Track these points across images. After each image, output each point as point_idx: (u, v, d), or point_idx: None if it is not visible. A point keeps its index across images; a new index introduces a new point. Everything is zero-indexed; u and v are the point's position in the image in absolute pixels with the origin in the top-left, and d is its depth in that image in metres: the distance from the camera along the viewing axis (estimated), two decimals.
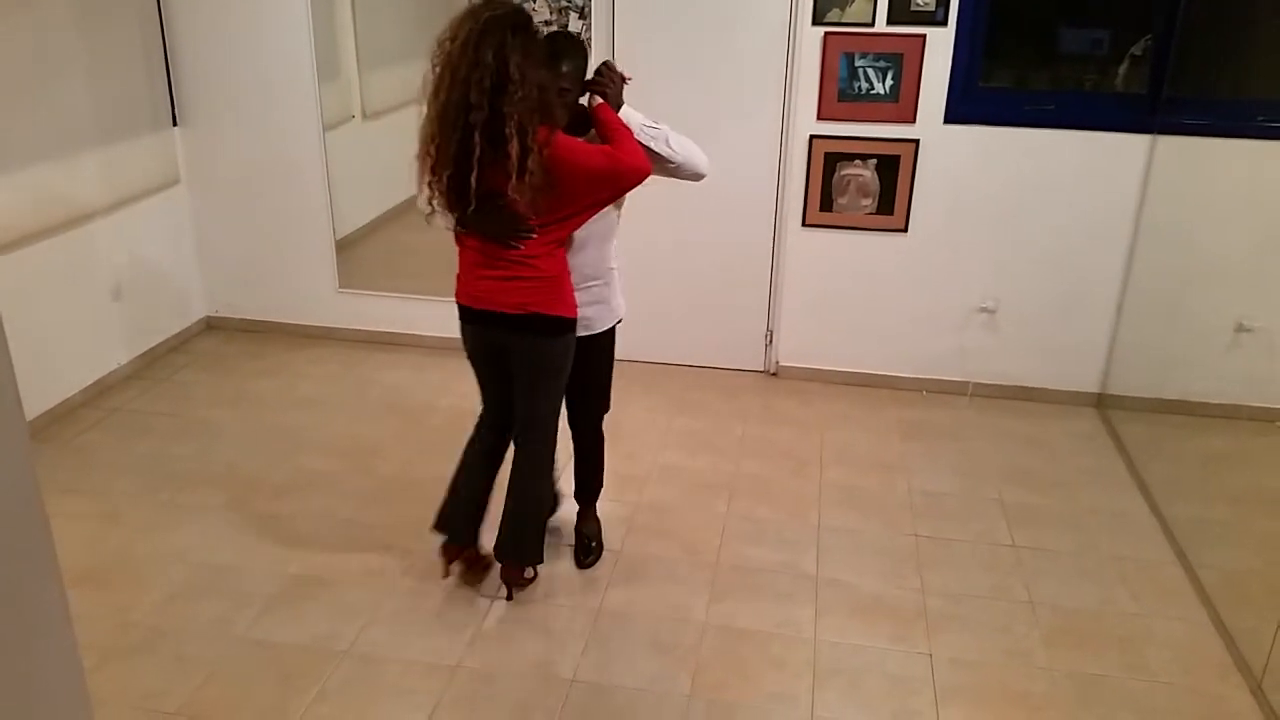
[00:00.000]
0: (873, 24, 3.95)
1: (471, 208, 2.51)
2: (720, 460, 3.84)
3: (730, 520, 3.44)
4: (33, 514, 1.43)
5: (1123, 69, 4.24)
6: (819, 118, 4.11)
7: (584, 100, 2.72)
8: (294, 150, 4.58)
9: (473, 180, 2.46)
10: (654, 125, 2.73)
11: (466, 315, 2.80)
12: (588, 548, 3.21)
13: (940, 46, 3.95)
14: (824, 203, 4.24)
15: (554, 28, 6.84)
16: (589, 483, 3.26)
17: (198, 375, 4.49)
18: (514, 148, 2.41)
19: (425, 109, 2.48)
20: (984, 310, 4.29)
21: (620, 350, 4.63)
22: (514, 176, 2.43)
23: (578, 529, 3.28)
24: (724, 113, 4.17)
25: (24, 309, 3.83)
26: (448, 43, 2.43)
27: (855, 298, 4.37)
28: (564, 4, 6.79)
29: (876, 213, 4.21)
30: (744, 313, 4.50)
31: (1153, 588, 3.17)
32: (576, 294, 2.78)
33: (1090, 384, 4.34)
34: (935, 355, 4.41)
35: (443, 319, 4.72)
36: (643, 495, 3.59)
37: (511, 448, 2.98)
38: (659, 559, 3.23)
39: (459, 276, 2.77)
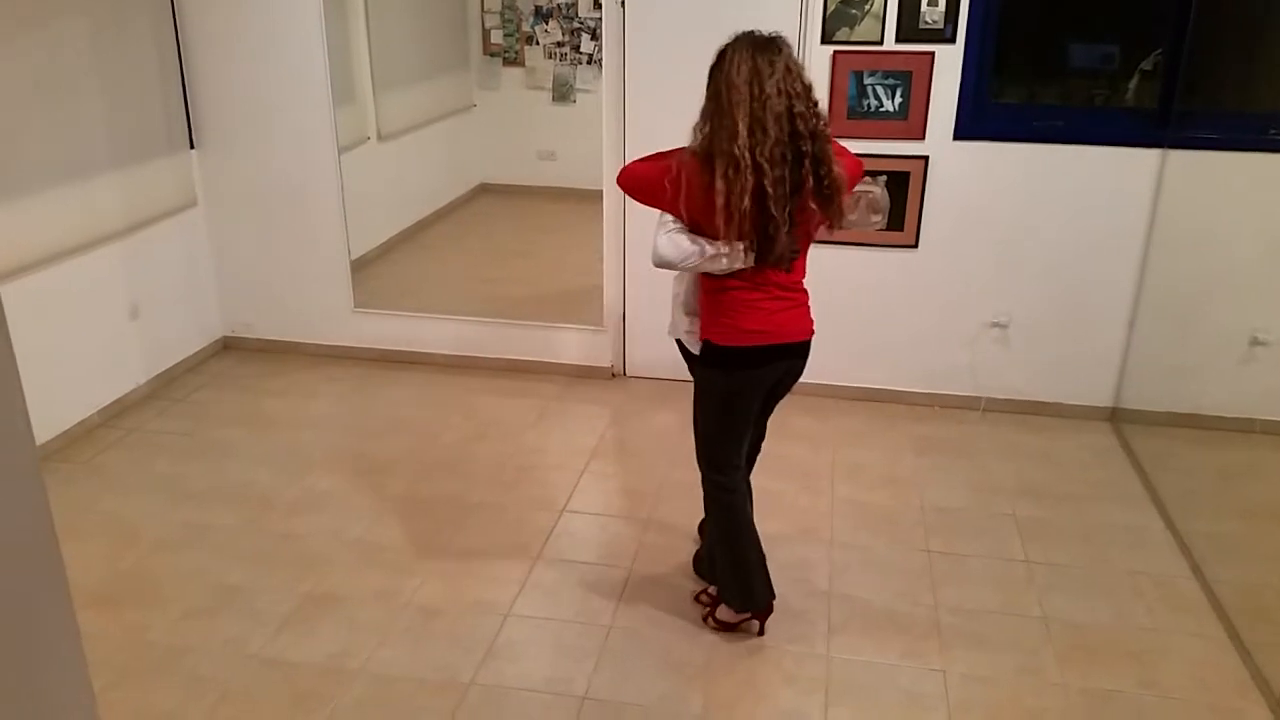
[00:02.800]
0: (881, 42, 3.97)
1: (784, 243, 2.46)
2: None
3: None
4: (43, 536, 1.44)
5: (1133, 84, 4.25)
6: None
7: None
8: (310, 172, 4.63)
9: (793, 213, 2.43)
10: None
11: (757, 356, 2.64)
12: None
13: (949, 64, 3.96)
14: None
15: (566, 48, 6.95)
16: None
17: (214, 395, 4.53)
18: (840, 168, 2.44)
19: (725, 165, 2.37)
20: (995, 325, 4.29)
21: (633, 369, 4.69)
22: (836, 200, 2.45)
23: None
24: None
25: (42, 330, 3.88)
26: (746, 83, 2.35)
27: (866, 314, 4.38)
28: (576, 25, 6.88)
29: (887, 229, 4.22)
30: None
31: (1167, 603, 3.14)
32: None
33: (1103, 398, 4.32)
34: (947, 370, 4.40)
35: (455, 337, 4.80)
36: (655, 512, 3.60)
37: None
38: (671, 576, 3.23)
39: (734, 314, 2.60)
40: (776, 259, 2.50)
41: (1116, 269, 4.14)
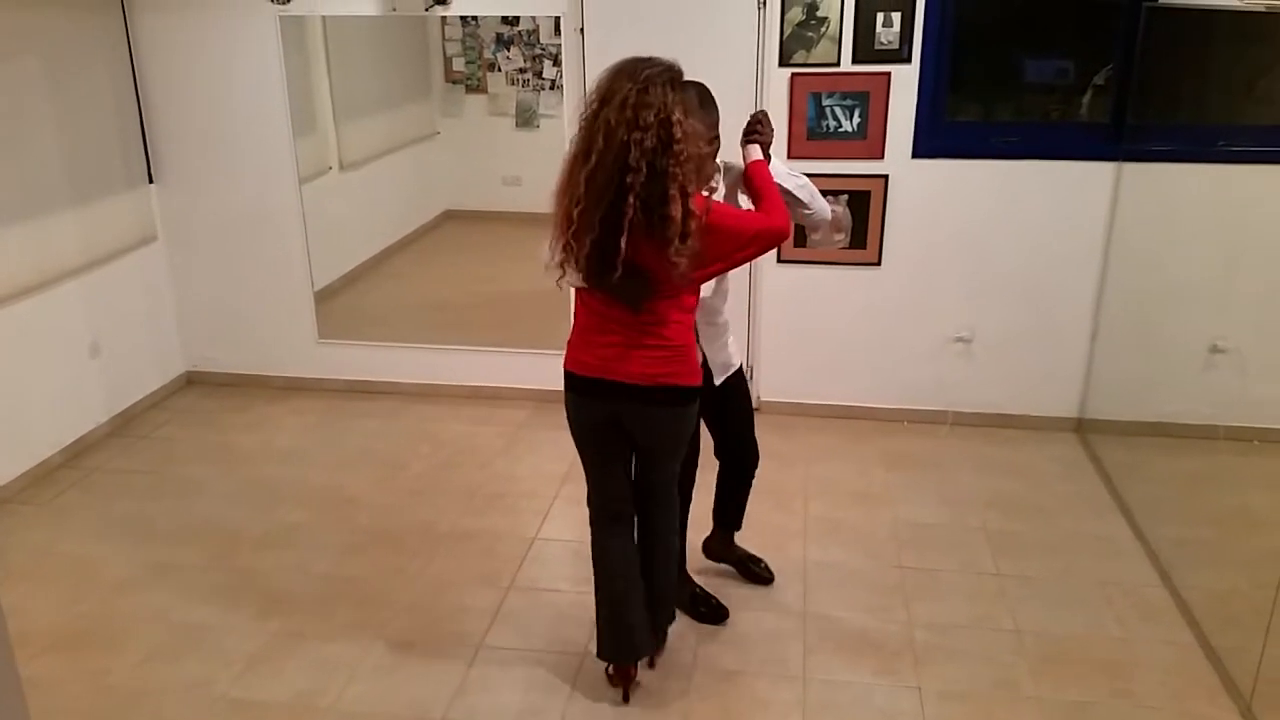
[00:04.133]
0: (838, 64, 4.01)
1: (618, 274, 2.34)
2: (703, 498, 3.82)
3: (710, 560, 3.42)
4: None
5: (1086, 99, 4.32)
6: (789, 156, 4.16)
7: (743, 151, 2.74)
8: (271, 203, 4.60)
9: (622, 244, 2.30)
10: (797, 175, 2.77)
11: (579, 385, 2.58)
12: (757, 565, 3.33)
13: (905, 83, 4.01)
14: (798, 239, 4.26)
15: (528, 75, 6.96)
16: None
17: (178, 431, 4.46)
18: (676, 210, 2.28)
19: (567, 170, 2.35)
20: (960, 340, 4.32)
21: None
22: (674, 241, 2.29)
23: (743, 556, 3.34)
24: None
25: (0, 370, 3.81)
26: (598, 103, 2.31)
27: (833, 331, 4.40)
28: (538, 51, 6.89)
29: (850, 247, 4.25)
30: None
31: (1138, 611, 3.16)
32: (717, 334, 2.79)
33: (1069, 409, 4.36)
34: (914, 386, 4.43)
35: (423, 365, 4.77)
36: None
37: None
38: None
39: (572, 342, 2.59)
40: (615, 291, 2.41)
41: (1077, 281, 4.20)
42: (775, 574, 3.31)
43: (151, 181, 4.62)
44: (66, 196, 4.10)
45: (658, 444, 2.65)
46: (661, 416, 2.58)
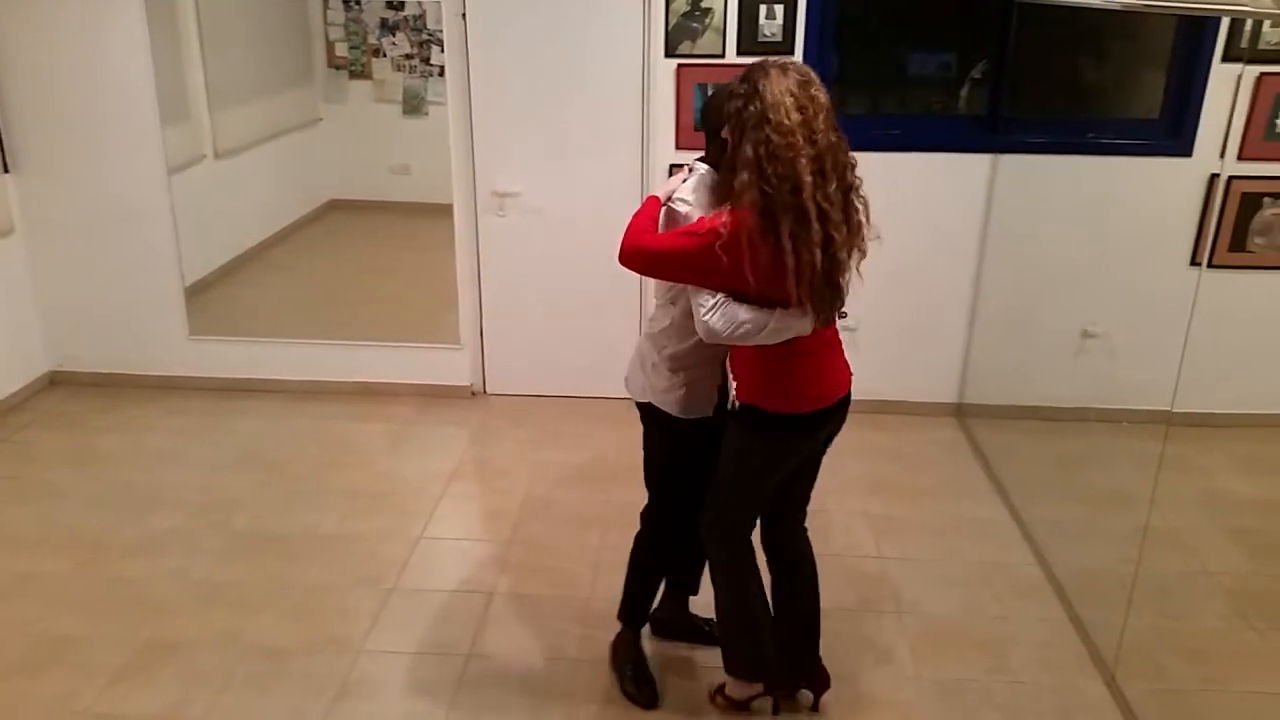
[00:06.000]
0: (723, 55, 4.02)
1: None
2: (596, 492, 3.81)
3: (603, 553, 3.40)
4: None
5: (964, 92, 4.43)
6: (677, 147, 4.16)
7: None
8: (138, 193, 4.39)
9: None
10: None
11: (819, 419, 2.38)
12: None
13: None
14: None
15: (415, 60, 6.81)
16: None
17: (41, 434, 4.23)
18: (862, 209, 2.25)
19: (790, 220, 2.09)
20: (844, 329, 4.38)
21: (494, 386, 4.61)
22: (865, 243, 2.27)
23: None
24: (584, 144, 4.18)
25: None
26: (799, 124, 2.08)
27: None
28: (425, 37, 6.74)
29: None
30: (615, 341, 4.48)
31: (1014, 589, 3.27)
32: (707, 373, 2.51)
33: (949, 395, 4.49)
34: None
35: (305, 361, 4.62)
36: (518, 531, 3.53)
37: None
38: (533, 597, 3.18)
39: (801, 380, 2.34)
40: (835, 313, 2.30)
41: (956, 270, 4.31)
42: None
43: (7, 171, 4.35)
44: None
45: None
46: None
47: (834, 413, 2.42)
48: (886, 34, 4.49)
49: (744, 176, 2.10)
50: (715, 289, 2.19)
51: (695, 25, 3.99)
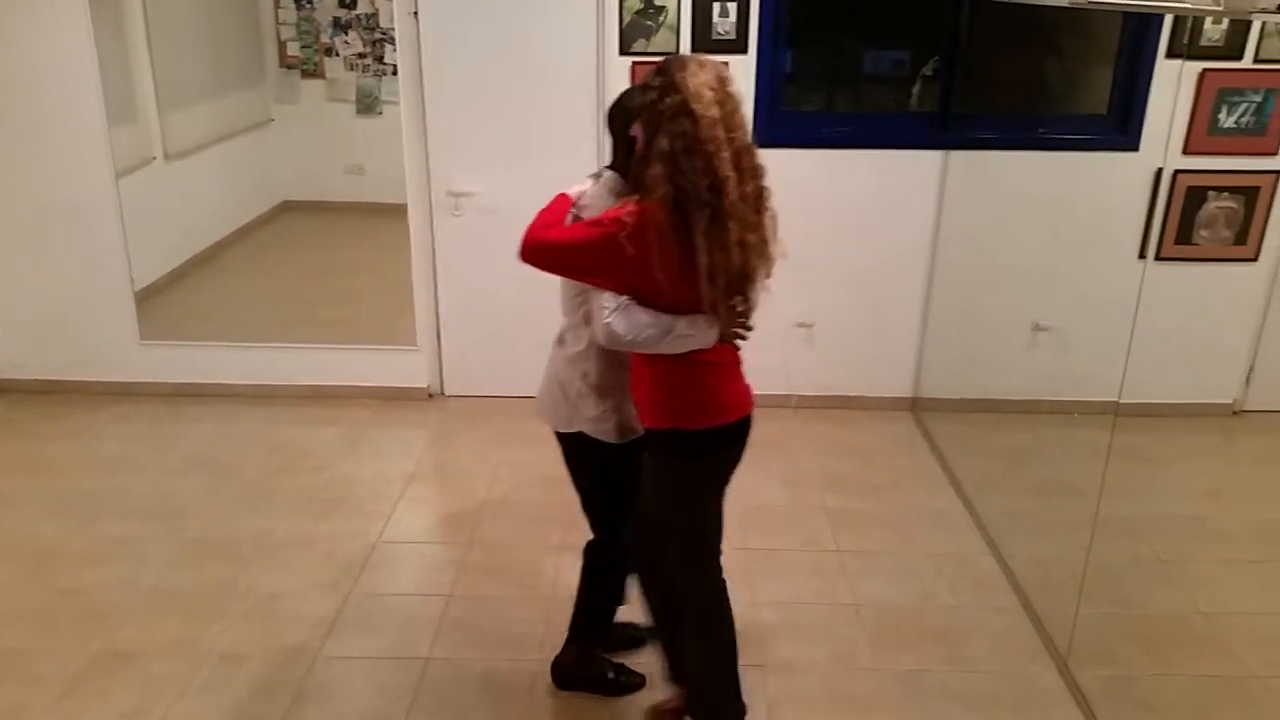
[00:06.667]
0: (677, 53, 4.01)
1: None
2: (555, 491, 3.80)
3: (564, 552, 3.40)
4: None
5: (916, 89, 4.48)
6: None
7: None
8: (84, 196, 4.30)
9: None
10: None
11: (734, 433, 2.32)
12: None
13: (743, 73, 4.05)
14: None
15: (369, 59, 6.75)
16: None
17: None
18: (771, 219, 2.16)
19: (704, 218, 2.00)
20: (802, 325, 4.43)
21: (451, 388, 4.58)
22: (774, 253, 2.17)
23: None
24: (539, 143, 4.17)
25: None
26: (720, 119, 2.00)
27: None
28: (379, 36, 6.68)
29: None
30: None
31: (969, 580, 3.31)
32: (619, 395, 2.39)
33: (904, 389, 4.53)
34: (760, 370, 4.44)
35: (258, 365, 4.56)
36: (476, 533, 3.52)
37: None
38: (492, 598, 3.16)
39: (712, 390, 2.27)
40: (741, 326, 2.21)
41: (909, 266, 4.36)
42: None
43: None
44: None
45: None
46: None
47: (747, 428, 2.35)
48: (840, 32, 4.52)
49: (656, 169, 1.99)
50: (622, 289, 2.09)
51: (649, 23, 4.00)
